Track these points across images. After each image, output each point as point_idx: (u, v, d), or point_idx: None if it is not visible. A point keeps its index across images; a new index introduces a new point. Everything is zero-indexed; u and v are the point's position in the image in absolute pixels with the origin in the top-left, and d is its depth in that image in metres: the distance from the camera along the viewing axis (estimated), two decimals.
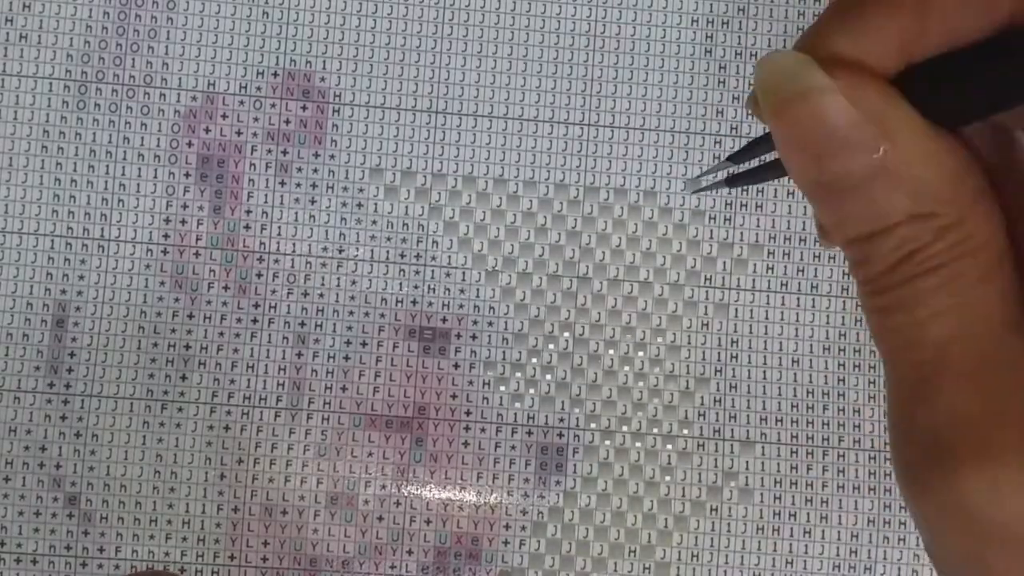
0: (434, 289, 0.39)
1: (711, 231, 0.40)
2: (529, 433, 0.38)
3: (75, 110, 0.38)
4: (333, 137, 0.39)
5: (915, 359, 0.18)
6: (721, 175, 0.26)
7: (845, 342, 0.39)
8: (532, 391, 0.38)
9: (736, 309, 0.39)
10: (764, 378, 0.39)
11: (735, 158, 0.24)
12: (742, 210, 0.40)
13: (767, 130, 0.19)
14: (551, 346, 0.39)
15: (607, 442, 0.38)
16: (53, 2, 0.38)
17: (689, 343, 0.39)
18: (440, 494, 0.38)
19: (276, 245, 0.38)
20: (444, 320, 0.38)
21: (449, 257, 0.39)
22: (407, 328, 0.38)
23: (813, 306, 0.39)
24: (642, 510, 0.38)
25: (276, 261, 0.38)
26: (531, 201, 0.39)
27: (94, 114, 0.38)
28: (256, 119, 0.39)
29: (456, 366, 0.38)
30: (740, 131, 0.40)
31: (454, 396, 0.38)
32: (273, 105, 0.39)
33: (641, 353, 0.39)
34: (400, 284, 0.39)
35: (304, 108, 0.39)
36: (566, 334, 0.39)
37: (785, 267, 0.40)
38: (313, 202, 0.39)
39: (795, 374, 0.39)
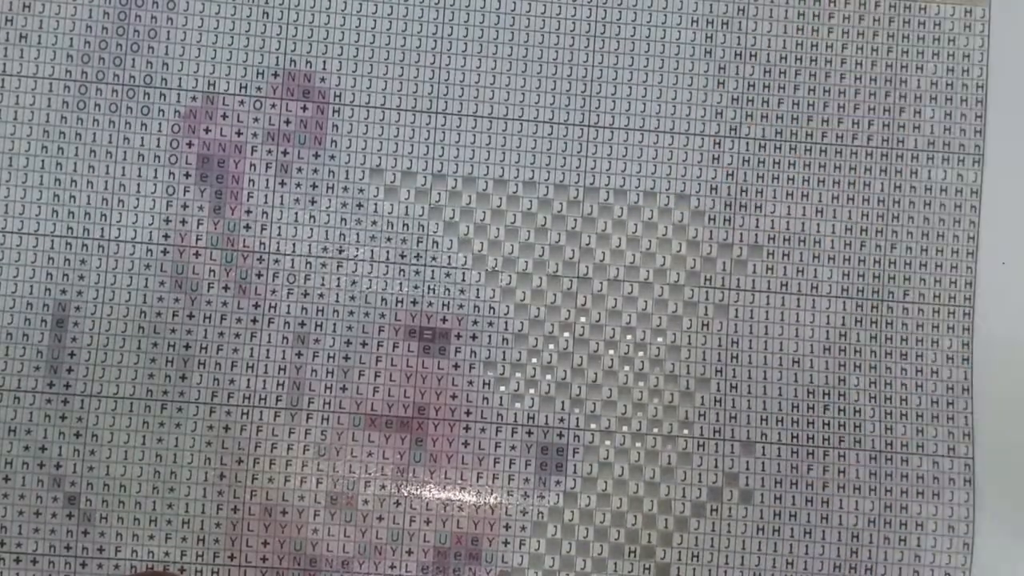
0: (434, 289, 0.39)
1: (711, 232, 0.40)
2: (529, 433, 0.38)
3: (75, 110, 0.38)
4: (333, 137, 0.39)
5: None
6: None
7: (845, 342, 0.39)
8: (532, 391, 0.38)
9: (736, 309, 0.39)
10: (764, 378, 0.39)
11: None
12: (742, 211, 0.40)
13: None
14: (551, 346, 0.39)
15: (607, 442, 0.38)
16: (53, 2, 0.39)
17: (689, 343, 0.39)
18: (440, 494, 0.38)
19: (276, 245, 0.38)
20: (444, 320, 0.38)
21: (449, 257, 0.39)
22: (407, 328, 0.38)
23: (813, 307, 0.39)
24: (642, 510, 0.38)
25: (276, 261, 0.38)
26: (531, 201, 0.39)
27: (94, 114, 0.38)
28: (256, 119, 0.39)
29: (456, 366, 0.38)
30: (740, 131, 0.40)
31: (454, 396, 0.38)
32: (273, 105, 0.39)
33: (641, 353, 0.39)
34: (400, 284, 0.39)
35: (304, 108, 0.39)
36: (566, 334, 0.39)
37: (785, 268, 0.40)
38: (313, 202, 0.39)
39: (795, 374, 0.39)
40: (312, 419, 0.38)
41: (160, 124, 0.39)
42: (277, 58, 0.39)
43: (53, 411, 0.37)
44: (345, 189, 0.39)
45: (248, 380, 0.38)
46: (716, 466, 0.39)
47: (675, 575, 0.38)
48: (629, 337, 0.39)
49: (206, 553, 0.37)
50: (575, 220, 0.39)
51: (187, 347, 0.38)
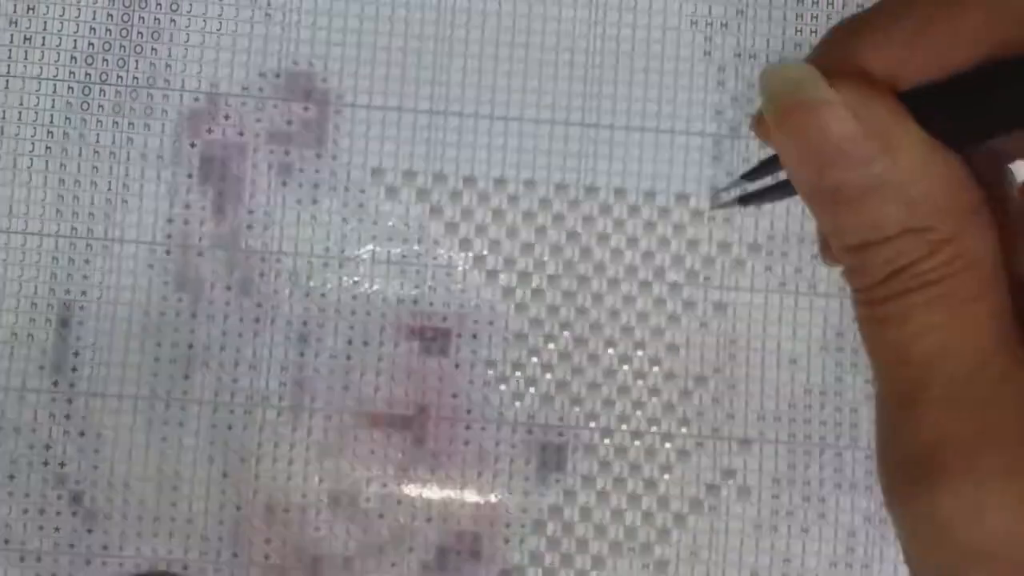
0: (435, 289, 0.39)
1: (710, 231, 0.40)
2: (529, 432, 0.39)
3: (79, 111, 0.38)
4: (335, 138, 0.39)
5: (903, 374, 0.18)
6: (735, 192, 0.26)
7: (843, 341, 0.40)
8: (532, 390, 0.39)
9: (735, 309, 0.40)
10: (762, 377, 0.39)
11: (748, 176, 0.24)
12: (741, 211, 0.40)
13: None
14: (551, 346, 0.39)
15: (607, 441, 0.39)
16: (57, 4, 0.39)
17: (688, 343, 0.39)
18: (441, 493, 0.38)
19: (278, 245, 0.39)
20: (445, 320, 0.39)
21: (450, 257, 0.39)
22: (408, 328, 0.39)
23: (811, 306, 0.40)
24: (641, 509, 0.39)
25: (278, 261, 0.39)
26: (531, 202, 0.39)
27: (98, 115, 0.39)
28: (258, 120, 0.39)
29: (457, 366, 0.39)
30: (740, 132, 0.40)
31: (455, 395, 0.38)
32: (275, 106, 0.39)
33: (640, 353, 0.39)
34: (401, 284, 0.39)
35: (306, 109, 0.39)
36: (566, 334, 0.39)
37: (783, 267, 0.40)
38: (315, 202, 0.39)
39: (793, 374, 0.39)
40: (314, 418, 0.38)
41: (163, 124, 0.39)
42: (279, 59, 0.39)
43: (57, 410, 0.38)
44: (347, 189, 0.39)
45: (251, 379, 0.38)
46: (714, 464, 0.39)
47: (674, 573, 0.38)
48: (628, 337, 0.39)
49: (209, 551, 0.37)
50: (575, 220, 0.40)
51: (190, 346, 0.38)
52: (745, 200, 0.24)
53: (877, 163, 0.18)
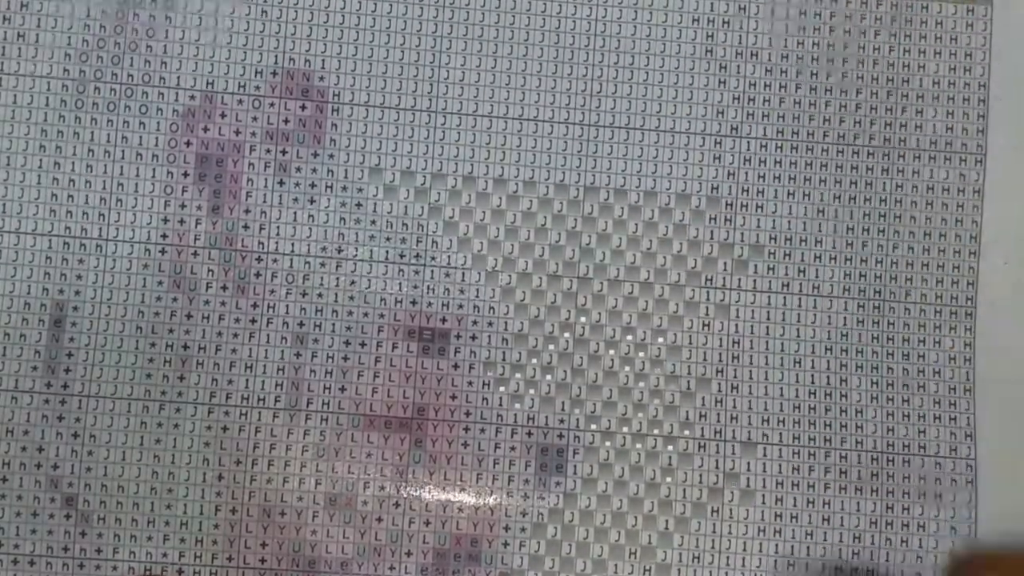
0: (434, 289, 0.38)
1: (711, 231, 0.39)
2: (529, 434, 0.38)
3: (73, 109, 0.38)
4: (332, 136, 0.39)
5: None
6: None
7: (847, 342, 0.39)
8: (532, 392, 0.38)
9: (737, 310, 0.39)
10: (765, 379, 0.39)
11: None
12: (742, 210, 0.39)
13: None
14: (551, 346, 0.39)
15: (607, 443, 0.38)
16: (51, 1, 0.38)
17: (690, 344, 0.39)
18: (439, 495, 0.38)
19: (275, 245, 0.38)
20: (444, 320, 0.38)
21: (449, 257, 0.39)
22: (406, 328, 0.38)
23: (814, 307, 0.39)
24: (643, 511, 0.38)
25: (275, 261, 0.38)
26: (531, 201, 0.39)
27: (92, 113, 0.38)
28: (255, 118, 0.39)
29: (456, 366, 0.38)
30: (740, 131, 0.40)
31: (454, 397, 0.38)
32: (272, 104, 0.39)
33: (642, 354, 0.39)
34: (399, 284, 0.38)
35: (303, 107, 0.39)
36: (566, 334, 0.39)
37: (786, 268, 0.39)
38: (312, 202, 0.38)
39: (796, 375, 0.39)
40: (311, 420, 0.38)
41: (158, 123, 0.38)
42: (276, 57, 0.39)
43: (51, 411, 0.37)
44: (344, 188, 0.39)
45: (247, 380, 0.38)
46: (717, 467, 0.38)
47: None
48: (629, 337, 0.39)
49: (204, 554, 0.37)
50: (575, 220, 0.39)
51: (185, 347, 0.38)
52: None
53: None
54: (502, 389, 0.38)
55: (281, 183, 0.38)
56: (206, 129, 0.38)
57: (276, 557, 0.37)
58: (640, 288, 0.39)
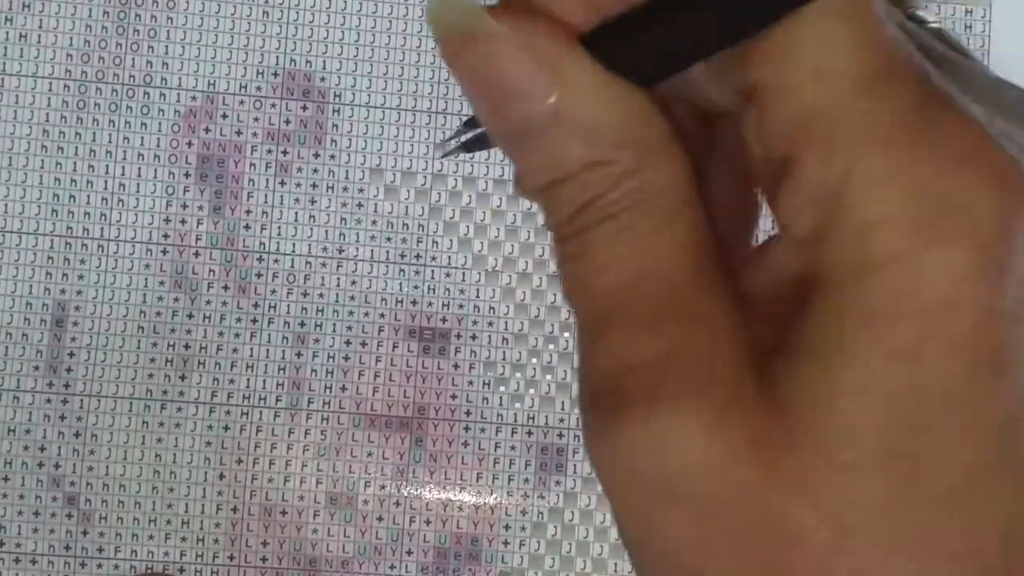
0: (434, 289, 0.39)
1: None
2: (529, 433, 0.38)
3: (75, 110, 0.38)
4: (333, 137, 0.39)
5: (590, 307, 0.18)
6: (460, 139, 0.25)
7: None
8: (532, 391, 0.38)
9: None
10: None
11: (471, 123, 0.24)
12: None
13: None
14: (551, 346, 0.39)
15: None
16: (53, 1, 0.38)
17: None
18: (440, 494, 0.38)
19: (276, 245, 0.38)
20: (444, 320, 0.38)
21: (449, 257, 0.39)
22: (407, 328, 0.38)
23: None
24: None
25: (276, 261, 0.38)
26: (531, 201, 0.39)
27: (94, 114, 0.38)
28: (256, 119, 0.39)
29: (456, 366, 0.38)
30: None
31: (454, 396, 0.38)
32: (273, 105, 0.39)
33: None
34: (400, 284, 0.38)
35: (304, 108, 0.39)
36: (566, 334, 0.39)
37: None
38: (313, 202, 0.39)
39: None
40: (312, 419, 0.38)
41: (160, 124, 0.38)
42: (277, 58, 0.39)
43: (52, 411, 0.37)
44: (345, 189, 0.39)
45: (248, 380, 0.38)
46: None
47: None
48: None
49: (205, 553, 0.37)
50: None
51: (187, 347, 0.38)
52: (468, 147, 0.24)
53: (551, 97, 0.17)
54: (502, 389, 0.38)
55: (282, 183, 0.39)
56: (207, 129, 0.39)
57: (277, 555, 0.37)
58: None
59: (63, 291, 0.38)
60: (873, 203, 0.17)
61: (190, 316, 0.38)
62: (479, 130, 0.24)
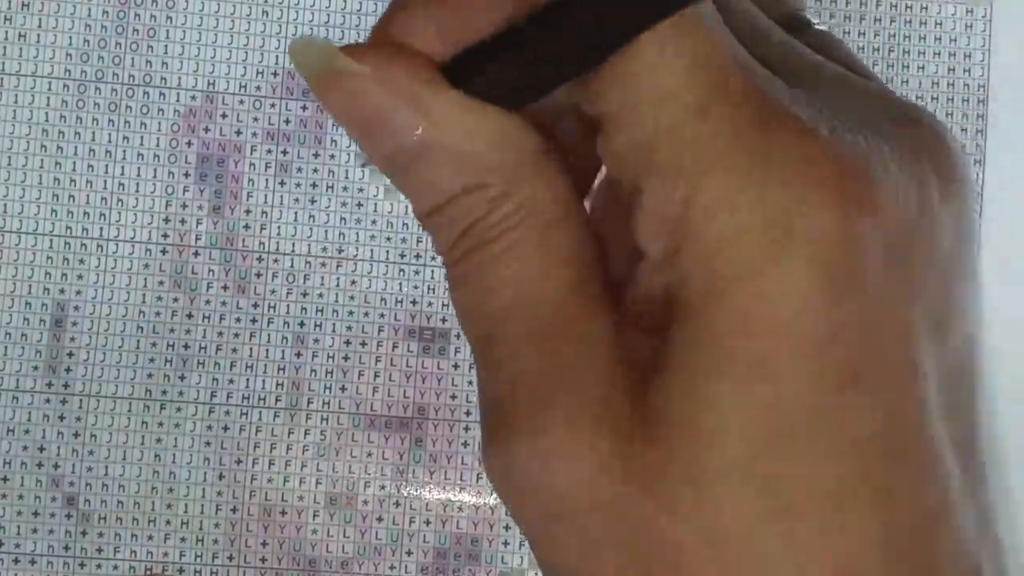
0: (434, 289, 0.39)
1: None
2: None
3: (74, 109, 0.38)
4: (333, 137, 0.39)
5: (480, 329, 0.19)
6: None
7: None
8: None
9: None
10: None
11: None
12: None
13: None
14: None
15: None
16: (52, 1, 0.38)
17: None
18: (440, 495, 0.38)
19: (276, 245, 0.38)
20: (444, 320, 0.38)
21: None
22: (407, 328, 0.38)
23: None
24: None
25: (276, 261, 0.38)
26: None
27: (93, 113, 0.38)
28: (256, 119, 0.39)
29: (456, 366, 0.38)
30: None
31: (454, 396, 0.38)
32: (273, 105, 0.39)
33: None
34: (400, 284, 0.38)
35: (304, 108, 0.39)
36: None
37: None
38: (313, 202, 0.39)
39: None
40: (311, 419, 0.38)
41: (160, 123, 0.38)
42: (277, 57, 0.39)
43: (52, 411, 0.37)
44: (345, 189, 0.39)
45: (247, 380, 0.38)
46: None
47: None
48: None
49: (205, 553, 0.37)
50: None
51: (186, 347, 0.38)
52: (367, 163, 0.25)
53: (416, 128, 0.18)
54: None
55: (282, 183, 0.39)
56: (207, 129, 0.39)
57: (276, 556, 0.37)
58: None
59: (62, 291, 0.38)
60: (716, 226, 0.17)
61: (190, 316, 0.38)
62: None
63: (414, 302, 0.38)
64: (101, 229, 0.38)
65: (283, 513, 0.37)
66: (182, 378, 0.38)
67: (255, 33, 0.39)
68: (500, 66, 0.18)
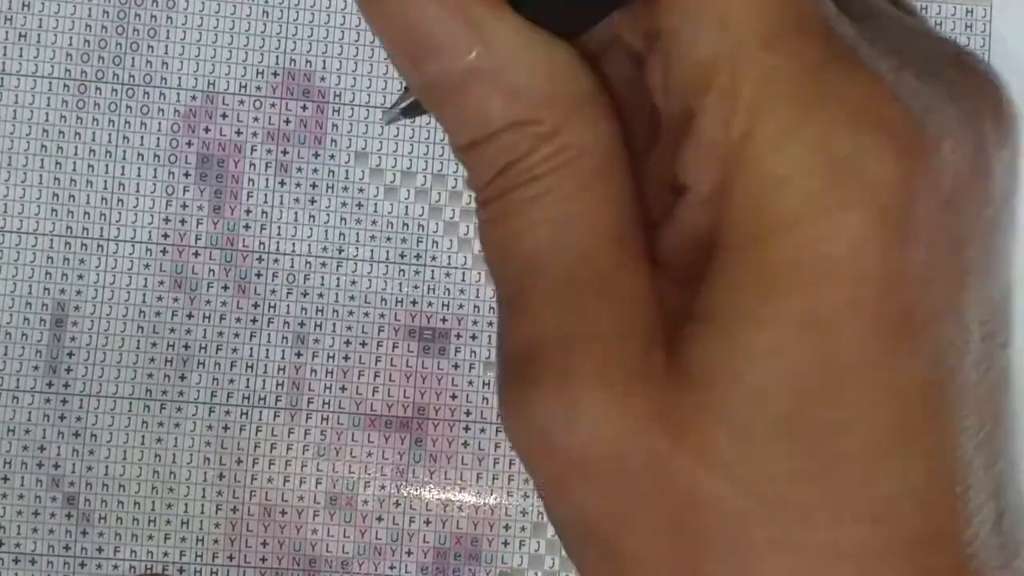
0: (434, 289, 0.39)
1: None
2: None
3: (75, 109, 0.38)
4: (333, 137, 0.39)
5: (509, 273, 0.18)
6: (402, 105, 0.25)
7: None
8: None
9: None
10: None
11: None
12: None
13: None
14: None
15: None
16: (53, 1, 0.38)
17: None
18: (440, 494, 0.38)
19: (276, 245, 0.38)
20: (444, 320, 0.38)
21: (449, 257, 0.39)
22: (407, 328, 0.38)
23: None
24: None
25: (276, 261, 0.38)
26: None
27: (94, 113, 0.38)
28: (256, 119, 0.39)
29: (456, 366, 0.38)
30: None
31: (454, 396, 0.38)
32: (273, 105, 0.39)
33: None
34: (400, 284, 0.38)
35: (304, 108, 0.39)
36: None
37: None
38: (313, 202, 0.39)
39: None
40: (311, 419, 0.38)
41: (160, 123, 0.38)
42: (277, 57, 0.39)
43: (52, 411, 0.37)
44: (345, 189, 0.39)
45: (247, 380, 0.38)
46: None
47: None
48: None
49: (205, 553, 0.37)
50: None
51: (186, 347, 0.38)
52: (408, 112, 0.24)
53: (470, 52, 0.17)
54: None
55: (282, 183, 0.39)
56: (207, 129, 0.39)
57: (276, 556, 0.37)
58: None
59: (63, 291, 0.38)
60: (773, 164, 0.16)
61: (190, 316, 0.38)
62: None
63: (414, 302, 0.38)
64: (101, 229, 0.38)
65: (283, 513, 0.37)
66: (182, 378, 0.38)
67: (255, 33, 0.39)
68: None
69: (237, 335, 0.38)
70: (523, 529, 0.38)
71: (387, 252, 0.39)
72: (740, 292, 0.16)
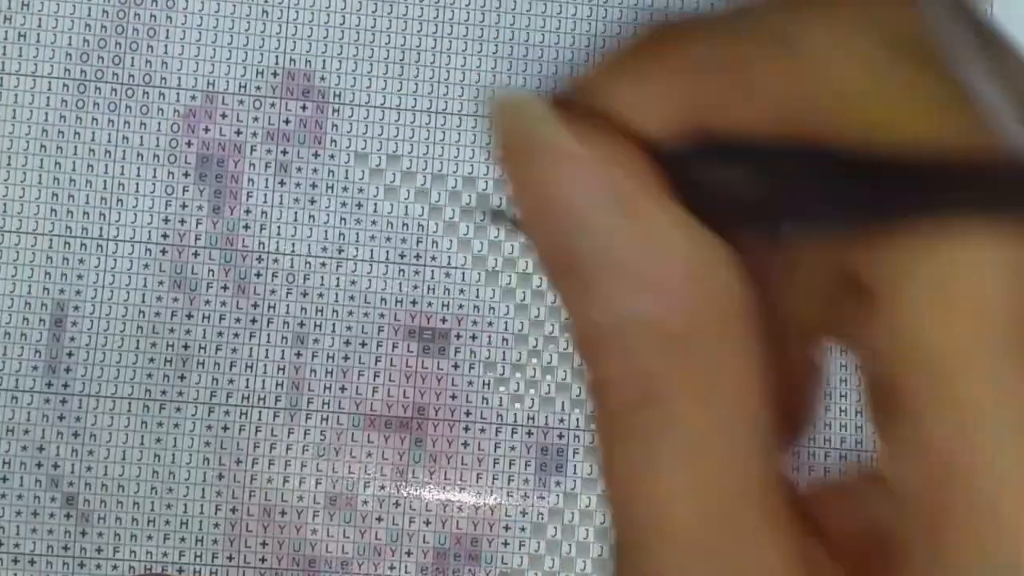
0: (434, 289, 0.38)
1: None
2: (529, 434, 0.38)
3: (74, 109, 0.38)
4: (333, 137, 0.39)
5: (642, 515, 0.15)
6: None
7: None
8: (532, 392, 0.38)
9: None
10: None
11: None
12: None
13: None
14: (551, 347, 0.39)
15: None
16: (52, 0, 0.38)
17: None
18: (439, 495, 0.38)
19: (275, 245, 0.38)
20: (444, 320, 0.38)
21: (449, 257, 0.39)
22: (407, 328, 0.38)
23: None
24: None
25: (275, 261, 0.38)
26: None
27: (93, 113, 0.38)
28: (256, 119, 0.39)
29: (456, 366, 0.38)
30: None
31: (454, 396, 0.38)
32: (273, 105, 0.39)
33: None
34: (400, 284, 0.38)
35: (304, 108, 0.39)
36: (567, 335, 0.39)
37: None
38: (313, 202, 0.39)
39: None
40: (311, 419, 0.38)
41: (159, 123, 0.38)
42: (277, 57, 0.39)
43: (51, 411, 0.37)
44: (345, 189, 0.39)
45: (247, 380, 0.38)
46: None
47: None
48: None
49: (205, 554, 0.37)
50: None
51: (186, 347, 0.38)
52: (495, 217, 0.21)
53: (619, 235, 0.14)
54: (502, 389, 0.38)
55: (282, 183, 0.39)
56: (207, 129, 0.39)
57: (276, 556, 0.37)
58: None
59: (62, 291, 0.38)
60: (1009, 500, 0.13)
61: (189, 316, 0.38)
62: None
63: (414, 302, 0.38)
64: (101, 229, 0.38)
65: (283, 513, 0.37)
66: (182, 378, 0.38)
67: (255, 33, 0.39)
68: (741, 175, 0.14)
69: (237, 335, 0.38)
70: (523, 529, 0.38)
71: (387, 252, 0.38)
72: None
